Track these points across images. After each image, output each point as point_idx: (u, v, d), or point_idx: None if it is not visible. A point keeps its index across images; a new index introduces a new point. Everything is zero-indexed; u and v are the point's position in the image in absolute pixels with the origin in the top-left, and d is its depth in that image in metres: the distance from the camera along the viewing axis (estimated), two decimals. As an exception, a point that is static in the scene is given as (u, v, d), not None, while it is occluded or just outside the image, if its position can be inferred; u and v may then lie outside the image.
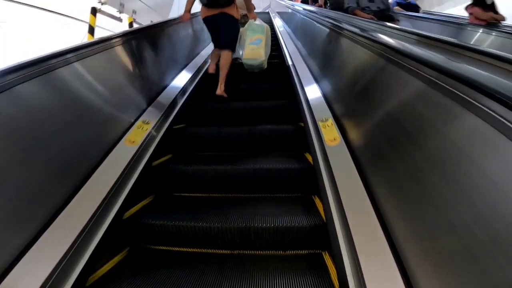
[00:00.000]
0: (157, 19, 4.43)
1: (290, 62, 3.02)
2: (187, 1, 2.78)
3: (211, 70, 2.79)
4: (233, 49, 2.59)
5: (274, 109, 2.36)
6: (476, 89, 0.65)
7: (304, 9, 4.00)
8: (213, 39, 2.76)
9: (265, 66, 2.71)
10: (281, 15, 6.16)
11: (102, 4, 5.21)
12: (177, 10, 7.44)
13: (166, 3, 7.72)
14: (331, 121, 1.57)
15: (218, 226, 1.21)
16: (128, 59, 2.00)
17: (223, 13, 2.50)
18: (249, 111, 2.38)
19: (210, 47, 3.52)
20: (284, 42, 3.99)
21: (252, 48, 2.60)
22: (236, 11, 2.57)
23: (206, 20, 2.62)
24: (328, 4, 4.17)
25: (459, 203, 0.62)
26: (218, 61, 2.71)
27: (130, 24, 6.01)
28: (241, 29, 2.72)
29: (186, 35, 3.40)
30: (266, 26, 2.81)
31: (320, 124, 1.60)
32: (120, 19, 5.70)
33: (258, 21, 2.76)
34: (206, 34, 3.23)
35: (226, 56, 2.53)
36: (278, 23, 5.73)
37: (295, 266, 1.10)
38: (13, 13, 5.18)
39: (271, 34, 3.23)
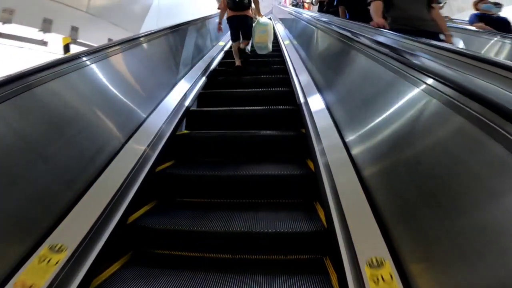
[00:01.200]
0: (118, 36, 2.38)
1: (302, 99, 2.22)
2: (220, 13, 3.74)
3: (237, 63, 3.64)
4: (249, 39, 3.68)
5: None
6: None
7: (331, 26, 2.25)
8: (234, 34, 3.64)
9: (270, 49, 3.78)
10: (284, 22, 5.96)
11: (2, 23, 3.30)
12: (155, 22, 4.98)
13: (136, 14, 4.95)
14: (389, 268, 0.79)
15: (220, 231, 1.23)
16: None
17: (244, 15, 3.52)
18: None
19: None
20: (293, 65, 3.11)
21: (260, 36, 3.70)
22: (251, 13, 3.65)
23: (231, 19, 3.57)
24: (390, 21, 2.08)
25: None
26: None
27: (66, 47, 4.23)
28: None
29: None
30: (270, 22, 3.86)
31: (366, 272, 0.82)
32: (43, 43, 3.91)
33: (263, 19, 3.84)
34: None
35: (245, 45, 3.66)
36: (281, 32, 5.31)
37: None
38: None
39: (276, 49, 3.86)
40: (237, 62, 3.55)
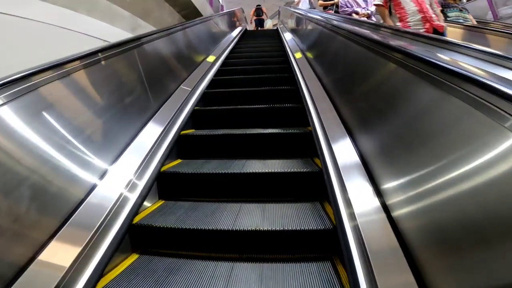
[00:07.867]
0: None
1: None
2: (252, 17, 10.91)
3: (253, 28, 10.77)
4: (262, 27, 10.76)
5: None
6: None
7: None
8: (256, 25, 10.70)
9: (270, 28, 10.88)
10: (295, 31, 4.86)
11: None
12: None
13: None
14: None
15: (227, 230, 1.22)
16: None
17: (260, 18, 10.73)
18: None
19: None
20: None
21: (269, 25, 11.36)
22: (265, 16, 10.97)
23: (256, 20, 10.66)
24: None
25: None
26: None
27: None
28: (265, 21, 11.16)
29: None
30: (270, 25, 11.40)
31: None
32: None
33: (269, 20, 11.68)
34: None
35: (262, 28, 10.72)
36: (295, 54, 3.61)
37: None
38: None
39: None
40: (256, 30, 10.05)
